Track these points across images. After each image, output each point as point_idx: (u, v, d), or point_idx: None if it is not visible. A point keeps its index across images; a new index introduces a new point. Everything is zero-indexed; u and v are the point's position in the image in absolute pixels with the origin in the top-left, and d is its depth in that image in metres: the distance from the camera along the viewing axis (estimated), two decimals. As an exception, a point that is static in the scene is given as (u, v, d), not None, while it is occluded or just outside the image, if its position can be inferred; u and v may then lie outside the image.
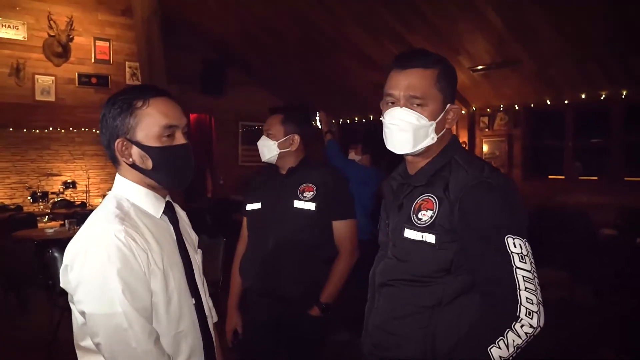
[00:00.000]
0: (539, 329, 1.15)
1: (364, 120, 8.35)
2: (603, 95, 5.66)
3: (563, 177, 6.41)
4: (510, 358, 1.14)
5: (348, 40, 6.62)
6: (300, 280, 2.06)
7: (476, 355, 1.16)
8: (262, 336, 2.14)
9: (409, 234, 1.30)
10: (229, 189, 8.46)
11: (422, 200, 1.30)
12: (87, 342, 1.18)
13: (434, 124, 1.31)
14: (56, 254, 3.58)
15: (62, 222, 5.61)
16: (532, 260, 1.18)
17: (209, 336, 1.35)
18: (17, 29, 6.91)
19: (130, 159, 1.25)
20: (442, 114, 1.33)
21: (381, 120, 1.38)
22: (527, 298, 1.14)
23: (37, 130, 7.55)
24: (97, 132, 1.30)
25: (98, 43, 7.57)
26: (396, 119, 1.32)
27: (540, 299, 1.16)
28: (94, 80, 7.50)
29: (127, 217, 1.21)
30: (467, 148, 6.90)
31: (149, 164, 1.25)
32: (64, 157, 7.91)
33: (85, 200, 7.62)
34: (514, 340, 1.13)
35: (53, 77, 7.21)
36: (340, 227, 2.14)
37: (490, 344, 1.14)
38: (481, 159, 1.44)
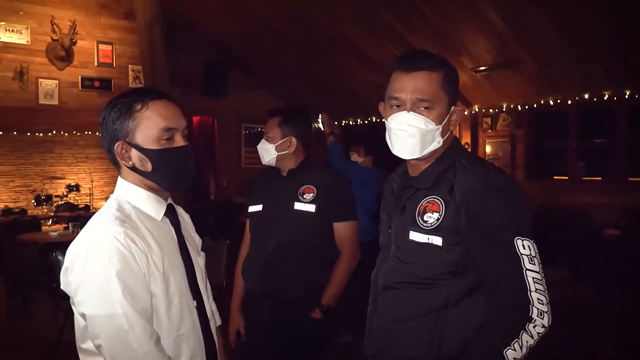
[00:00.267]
0: (547, 329, 1.16)
1: (366, 122, 8.36)
2: (606, 96, 5.65)
3: (567, 177, 6.39)
4: (522, 358, 1.15)
5: (349, 41, 6.63)
6: (301, 282, 2.06)
7: (491, 358, 1.16)
8: (264, 338, 2.14)
9: (415, 236, 1.29)
10: (232, 191, 8.47)
11: (427, 203, 1.30)
12: (89, 345, 1.19)
13: (440, 127, 1.30)
14: (60, 257, 3.59)
15: (66, 225, 5.63)
16: (540, 261, 1.19)
17: (210, 339, 1.35)
18: (21, 33, 6.94)
19: (130, 162, 1.25)
20: (448, 116, 1.32)
21: (383, 122, 1.38)
22: (538, 299, 1.16)
23: (41, 134, 7.57)
24: (100, 135, 1.31)
25: (101, 46, 7.59)
26: (404, 124, 1.29)
27: (548, 299, 1.17)
28: (97, 83, 7.52)
29: (127, 219, 1.21)
30: (470, 149, 6.89)
31: (149, 167, 1.25)
32: (68, 160, 7.93)
33: (88, 203, 7.63)
34: (527, 341, 1.14)
35: (56, 81, 7.23)
36: (341, 229, 2.14)
37: (505, 346, 1.14)
38: (486, 161, 1.44)
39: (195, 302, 1.30)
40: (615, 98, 5.60)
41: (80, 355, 1.23)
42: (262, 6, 6.60)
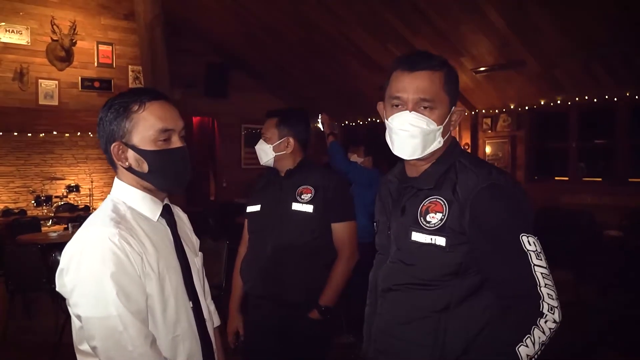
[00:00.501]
0: (559, 324, 1.15)
1: (367, 122, 8.36)
2: (607, 96, 5.64)
3: (567, 178, 6.38)
4: (535, 356, 1.14)
5: (350, 42, 6.63)
6: (299, 283, 2.05)
7: (503, 356, 1.15)
8: (262, 338, 2.13)
9: (417, 237, 1.28)
10: (232, 192, 8.47)
11: (429, 203, 1.29)
12: (85, 346, 1.18)
13: (441, 128, 1.29)
14: (59, 258, 3.58)
15: (66, 226, 5.62)
16: (545, 257, 1.19)
17: (207, 340, 1.34)
18: (21, 33, 6.94)
19: (127, 163, 1.25)
20: (449, 116, 1.31)
21: (382, 122, 1.37)
22: (548, 294, 1.16)
23: (41, 135, 7.58)
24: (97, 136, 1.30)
25: (101, 47, 7.59)
26: (406, 124, 1.28)
27: (557, 294, 1.17)
28: (97, 84, 7.52)
29: (122, 220, 1.21)
30: (469, 150, 6.88)
31: (145, 168, 1.25)
32: (68, 161, 7.93)
33: (88, 204, 7.63)
34: (539, 337, 1.14)
35: (56, 82, 7.23)
36: (340, 229, 2.13)
37: (518, 343, 1.13)
38: (486, 161, 1.43)
39: (191, 302, 1.30)
40: (615, 99, 5.59)
41: (77, 356, 1.23)
42: (263, 8, 6.60)
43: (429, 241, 1.26)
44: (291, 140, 2.15)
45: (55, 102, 7.23)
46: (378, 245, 1.46)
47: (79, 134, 7.80)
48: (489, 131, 6.98)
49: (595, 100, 5.76)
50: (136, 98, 1.24)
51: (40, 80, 7.10)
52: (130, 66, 7.80)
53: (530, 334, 1.13)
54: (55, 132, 7.60)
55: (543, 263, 1.18)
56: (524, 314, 1.16)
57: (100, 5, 7.53)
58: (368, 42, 6.46)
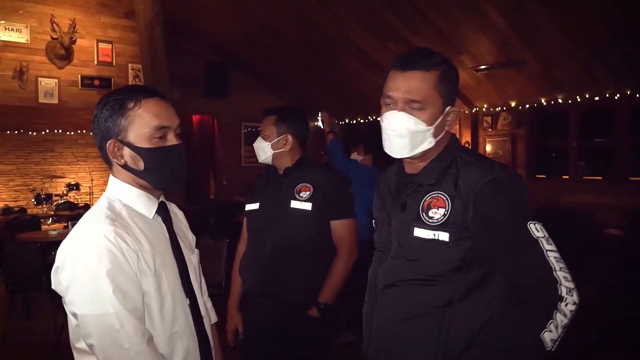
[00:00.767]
0: (578, 305, 1.16)
1: (367, 120, 8.35)
2: (607, 95, 5.63)
3: (567, 177, 6.38)
4: (559, 339, 1.15)
5: (351, 42, 6.62)
6: (298, 282, 2.05)
7: (528, 344, 1.15)
8: (262, 338, 2.13)
9: (419, 232, 1.27)
10: (232, 191, 8.47)
11: (430, 198, 1.28)
12: (82, 344, 1.18)
13: (432, 128, 1.28)
14: (59, 256, 3.57)
15: (66, 224, 5.63)
16: (554, 241, 1.20)
17: (205, 337, 1.34)
18: (20, 32, 6.94)
19: (122, 160, 1.25)
20: (441, 117, 1.29)
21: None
22: (564, 277, 1.16)
23: (41, 133, 7.57)
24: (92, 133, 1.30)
25: (101, 45, 7.59)
26: (393, 123, 1.29)
27: (572, 275, 1.18)
28: (96, 82, 7.52)
29: (118, 217, 1.21)
30: (470, 148, 6.88)
31: (141, 165, 1.24)
32: (68, 159, 7.94)
33: (88, 202, 7.63)
34: (562, 321, 1.14)
35: (56, 80, 7.23)
36: (339, 227, 2.12)
37: (541, 329, 1.14)
38: (488, 157, 1.43)
39: (188, 299, 1.30)
40: (616, 97, 5.58)
41: (74, 354, 1.23)
42: (263, 7, 6.59)
43: (432, 237, 1.25)
44: (290, 137, 2.14)
45: (55, 101, 7.22)
46: (377, 242, 1.45)
47: (79, 132, 7.80)
48: (490, 129, 6.97)
49: (595, 99, 5.75)
50: (131, 95, 1.24)
51: (40, 79, 7.09)
52: (130, 64, 7.80)
53: (553, 319, 1.14)
54: (55, 131, 7.60)
55: (554, 247, 1.19)
56: (544, 300, 1.16)
57: (100, 3, 7.52)
58: (368, 42, 6.45)
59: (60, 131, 7.71)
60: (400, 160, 1.41)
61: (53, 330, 3.78)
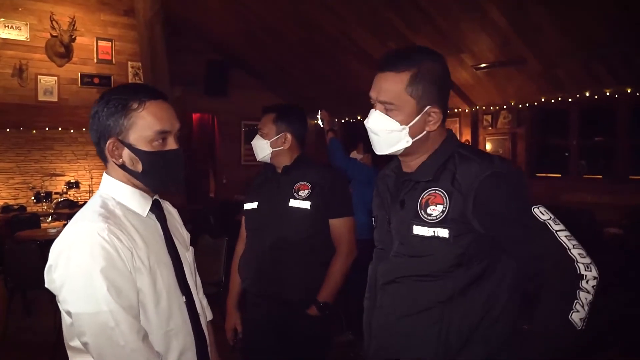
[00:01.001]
0: (599, 277, 1.16)
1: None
2: (608, 93, 5.62)
3: (568, 175, 6.37)
4: (587, 316, 1.15)
5: (351, 41, 6.60)
6: (297, 281, 2.04)
7: (559, 328, 1.15)
8: (261, 337, 2.13)
9: (419, 230, 1.27)
10: (232, 189, 8.46)
11: (428, 195, 1.28)
12: (76, 342, 1.18)
13: (406, 128, 1.29)
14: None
15: (66, 222, 5.60)
16: (560, 220, 1.21)
17: (201, 334, 1.34)
18: (20, 29, 6.92)
19: (120, 160, 1.24)
20: (419, 117, 1.29)
21: None
22: (579, 254, 1.17)
23: (41, 131, 7.56)
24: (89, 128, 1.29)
25: (100, 43, 7.57)
26: (370, 122, 1.34)
27: (586, 250, 1.18)
28: (96, 80, 7.50)
29: (112, 215, 1.20)
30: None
31: (139, 167, 1.24)
32: (67, 157, 7.92)
33: (88, 200, 7.63)
34: (586, 298, 1.14)
35: (56, 78, 7.21)
36: (337, 225, 2.12)
37: (569, 311, 1.13)
38: (486, 152, 1.43)
39: (184, 297, 1.29)
40: (616, 96, 5.57)
41: (68, 353, 1.22)
42: (263, 7, 6.57)
43: (432, 234, 1.25)
44: (289, 136, 2.13)
45: (55, 99, 7.21)
46: (377, 240, 1.45)
47: (78, 130, 7.78)
48: (490, 128, 6.96)
49: (596, 97, 5.74)
50: (135, 96, 1.23)
51: (39, 77, 7.08)
52: (129, 62, 7.78)
53: (578, 298, 1.14)
54: (54, 129, 7.58)
55: (562, 226, 1.20)
56: (565, 282, 1.16)
57: (99, 1, 7.51)
58: (368, 41, 6.44)
59: (60, 129, 7.69)
60: (398, 158, 1.42)
61: (52, 329, 3.78)
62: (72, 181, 7.58)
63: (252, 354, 2.18)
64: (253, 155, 2.24)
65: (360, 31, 6.34)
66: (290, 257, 2.05)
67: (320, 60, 7.44)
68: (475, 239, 1.23)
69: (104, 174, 1.30)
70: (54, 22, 7.06)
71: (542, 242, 1.18)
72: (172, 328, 1.24)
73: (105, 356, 1.12)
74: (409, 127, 1.29)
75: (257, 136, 2.18)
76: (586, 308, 1.14)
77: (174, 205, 1.51)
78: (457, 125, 7.15)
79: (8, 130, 7.32)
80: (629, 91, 5.47)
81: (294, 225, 2.06)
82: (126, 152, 1.23)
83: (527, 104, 6.47)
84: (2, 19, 6.78)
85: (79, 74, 7.39)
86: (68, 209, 7.02)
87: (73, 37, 7.23)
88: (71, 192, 7.58)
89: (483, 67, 6.08)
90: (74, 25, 7.21)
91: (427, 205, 1.27)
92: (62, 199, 7.35)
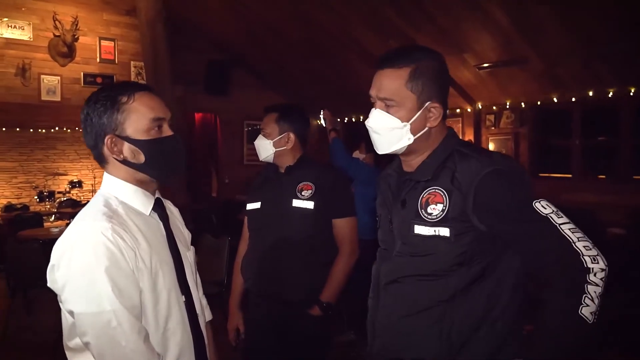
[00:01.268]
0: (607, 268, 1.14)
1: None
2: (611, 93, 5.61)
3: (570, 175, 6.36)
4: (598, 309, 1.12)
5: (353, 40, 6.60)
6: (300, 281, 2.04)
7: (570, 324, 1.13)
8: (262, 337, 2.12)
9: (420, 230, 1.27)
10: (235, 189, 8.47)
11: (428, 194, 1.28)
12: (75, 342, 1.17)
13: (407, 125, 1.29)
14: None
15: (68, 221, 5.63)
16: (564, 213, 1.19)
17: (199, 334, 1.33)
18: (23, 29, 6.94)
19: (121, 155, 1.24)
20: (419, 113, 1.29)
21: None
22: (584, 246, 1.14)
23: (43, 130, 7.58)
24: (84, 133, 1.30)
25: (103, 43, 7.59)
26: (371, 120, 1.34)
27: (592, 242, 1.16)
28: (99, 79, 7.52)
29: (114, 214, 1.20)
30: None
31: (141, 158, 1.24)
32: (70, 156, 7.94)
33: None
34: (595, 291, 1.12)
35: (58, 77, 7.24)
36: (341, 225, 2.12)
37: (578, 306, 1.11)
38: (486, 149, 1.43)
39: (183, 297, 1.29)
40: (619, 96, 5.56)
41: (67, 353, 1.22)
42: (264, 6, 6.58)
43: (433, 233, 1.25)
44: (292, 135, 2.13)
45: (58, 98, 7.23)
46: (381, 239, 1.45)
47: (81, 129, 7.80)
48: (492, 128, 6.95)
49: (598, 97, 5.72)
50: (122, 90, 1.23)
51: (42, 76, 7.10)
52: (132, 62, 7.80)
53: (586, 292, 1.11)
54: (57, 128, 7.60)
55: (566, 219, 1.17)
56: (571, 277, 1.14)
57: (102, 0, 7.53)
58: (370, 40, 6.44)
59: (62, 129, 7.71)
60: (399, 157, 1.42)
61: (53, 328, 3.78)
62: (74, 180, 7.60)
63: (253, 354, 2.18)
64: (255, 154, 2.24)
65: (361, 30, 6.33)
66: (291, 257, 2.05)
67: (322, 59, 7.44)
68: (477, 237, 1.22)
69: (105, 173, 1.29)
70: (56, 22, 7.08)
71: (545, 237, 1.17)
72: (170, 328, 1.24)
73: (106, 356, 1.12)
74: (411, 124, 1.29)
75: (260, 136, 2.17)
76: (596, 301, 1.11)
77: (177, 205, 1.51)
78: (460, 125, 7.14)
79: (11, 129, 7.33)
80: (632, 91, 5.45)
81: (296, 225, 2.06)
82: (126, 146, 1.23)
83: (530, 104, 6.46)
84: (6, 19, 6.80)
85: (82, 73, 7.41)
86: (71, 209, 7.03)
87: (76, 36, 7.25)
88: (74, 191, 7.60)
89: (485, 67, 6.07)
90: (76, 24, 7.23)
91: (427, 204, 1.27)
92: (65, 199, 7.37)
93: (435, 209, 1.25)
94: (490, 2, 4.99)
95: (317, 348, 2.11)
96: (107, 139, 1.23)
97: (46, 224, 6.15)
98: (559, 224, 1.16)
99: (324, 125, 3.97)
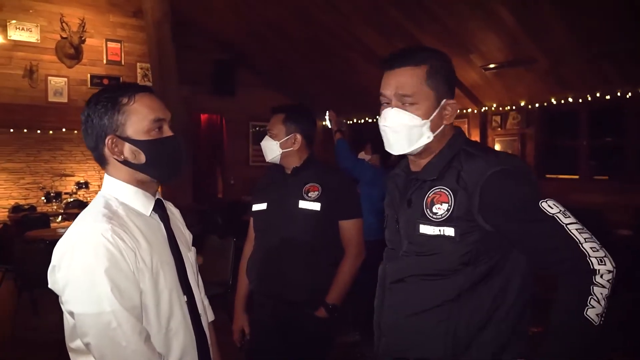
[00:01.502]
0: (615, 270, 1.12)
1: (376, 119, 8.32)
2: (618, 94, 5.57)
3: (577, 176, 6.32)
4: (605, 311, 1.11)
5: (357, 40, 6.60)
6: (305, 283, 2.04)
7: (576, 326, 1.12)
8: (267, 336, 2.12)
9: (425, 229, 1.27)
10: (240, 190, 8.48)
11: (433, 194, 1.28)
12: (77, 344, 1.18)
13: (427, 122, 1.29)
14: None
15: (75, 222, 5.65)
16: (571, 213, 1.17)
17: (202, 334, 1.34)
18: (31, 31, 6.99)
19: (122, 156, 1.24)
20: (437, 111, 1.30)
21: None
22: (591, 248, 1.13)
23: (51, 131, 7.62)
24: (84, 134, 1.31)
25: (110, 44, 7.63)
26: (388, 120, 1.32)
27: (600, 243, 1.14)
28: (105, 81, 7.56)
29: (115, 216, 1.20)
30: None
31: (142, 158, 1.25)
32: (77, 157, 7.98)
33: (96, 201, 7.67)
34: (601, 293, 1.10)
35: (65, 79, 7.28)
36: (347, 227, 2.11)
37: (584, 307, 1.10)
38: (493, 148, 1.43)
39: (185, 297, 1.30)
40: (627, 96, 5.52)
41: (70, 354, 1.23)
42: (270, 7, 6.59)
43: (438, 232, 1.25)
44: (298, 136, 2.12)
45: (65, 99, 7.27)
46: (388, 239, 1.45)
47: (87, 131, 7.84)
48: (499, 129, 6.92)
49: (605, 97, 5.68)
50: (122, 92, 1.24)
51: (49, 78, 7.15)
52: (138, 63, 7.83)
53: (592, 294, 1.10)
54: (64, 129, 7.64)
55: (573, 219, 1.16)
56: (577, 278, 1.13)
57: (108, 2, 7.56)
58: (375, 40, 6.43)
59: (69, 130, 7.75)
60: (407, 157, 1.41)
61: (59, 328, 3.80)
62: (81, 181, 7.63)
63: (257, 355, 2.18)
64: (261, 155, 2.23)
65: (366, 31, 6.33)
66: (298, 258, 2.05)
67: (327, 60, 7.44)
68: (482, 237, 1.22)
69: (105, 175, 1.30)
70: (64, 24, 7.13)
71: (551, 237, 1.16)
72: (172, 328, 1.24)
73: (107, 357, 1.12)
74: (430, 121, 1.29)
75: (267, 137, 2.16)
76: (602, 303, 1.10)
77: (182, 206, 1.52)
78: (466, 126, 7.12)
79: (19, 130, 7.38)
80: (639, 90, 5.41)
81: (302, 226, 2.05)
82: (127, 147, 1.24)
83: (537, 105, 6.43)
84: (14, 21, 6.85)
85: (89, 75, 7.45)
86: (78, 209, 7.06)
87: (83, 38, 7.29)
88: (81, 192, 7.63)
89: (492, 68, 6.05)
90: (83, 26, 7.28)
91: (432, 204, 1.27)
92: (71, 199, 7.41)
93: (441, 209, 1.25)
94: (496, 2, 4.98)
95: (320, 348, 2.11)
96: (108, 140, 1.24)
97: (53, 225, 6.19)
98: (566, 224, 1.15)
99: (329, 126, 3.97)
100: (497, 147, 6.95)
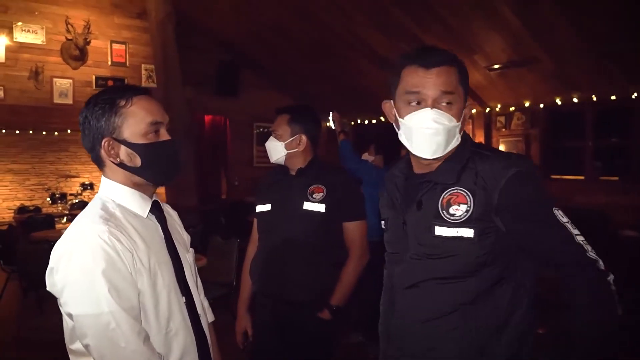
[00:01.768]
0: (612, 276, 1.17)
1: (381, 121, 8.32)
2: (623, 94, 5.54)
3: (582, 177, 6.29)
4: (617, 308, 1.15)
5: (361, 41, 6.60)
6: (308, 284, 2.03)
7: (605, 321, 1.14)
8: (269, 339, 2.12)
9: (441, 231, 1.24)
10: (244, 191, 8.49)
11: (449, 195, 1.25)
12: (77, 345, 1.18)
13: (459, 124, 1.26)
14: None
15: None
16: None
17: (202, 335, 1.34)
18: (36, 33, 7.03)
19: (118, 158, 1.25)
20: (464, 112, 1.28)
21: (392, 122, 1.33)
22: (596, 256, 1.18)
23: (56, 133, 7.66)
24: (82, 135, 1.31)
25: (114, 46, 7.66)
26: (429, 121, 1.23)
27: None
28: (110, 82, 7.58)
29: (112, 217, 1.21)
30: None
31: (137, 162, 1.25)
32: (82, 158, 8.02)
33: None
34: (615, 290, 1.16)
35: (71, 80, 7.31)
36: (351, 229, 2.11)
37: (611, 302, 1.14)
38: (501, 150, 1.43)
39: (184, 298, 1.30)
40: (632, 96, 5.49)
41: (70, 356, 1.23)
42: (274, 8, 6.60)
43: (456, 234, 1.22)
44: (304, 137, 2.11)
45: (70, 101, 7.30)
46: (389, 242, 1.41)
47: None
48: (503, 129, 6.90)
49: (610, 98, 5.66)
50: (121, 94, 1.24)
51: (55, 79, 7.18)
52: (143, 65, 7.86)
53: (613, 290, 1.15)
54: (69, 131, 7.68)
55: (578, 231, 1.20)
56: (591, 278, 1.16)
57: (113, 4, 7.59)
58: (378, 40, 6.43)
59: (74, 131, 7.78)
60: (406, 158, 1.39)
61: (64, 328, 3.82)
62: (86, 182, 7.67)
63: (258, 355, 2.18)
64: (265, 156, 2.22)
65: (370, 32, 6.33)
66: (302, 259, 2.04)
67: (330, 59, 7.43)
68: (498, 239, 1.21)
69: (102, 177, 1.31)
70: (69, 26, 7.16)
71: (563, 240, 1.18)
72: (172, 329, 1.24)
73: (106, 357, 1.12)
74: (460, 123, 1.27)
75: (271, 138, 2.15)
76: (616, 297, 1.15)
77: (186, 206, 1.52)
78: (470, 126, 7.10)
79: (24, 132, 7.42)
80: (645, 91, 5.39)
81: (306, 227, 2.04)
82: (123, 149, 1.24)
83: (542, 105, 6.40)
84: (19, 23, 6.89)
85: (94, 76, 7.48)
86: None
87: (87, 40, 7.32)
88: (86, 193, 7.67)
89: (496, 68, 6.03)
90: (88, 28, 7.31)
91: (449, 205, 1.24)
92: (76, 200, 7.43)
93: (459, 210, 1.23)
94: (500, 3, 4.96)
95: (322, 349, 2.10)
96: (104, 142, 1.24)
97: (58, 226, 6.21)
98: (575, 234, 1.19)
99: (333, 127, 3.97)
100: (502, 147, 6.92)
